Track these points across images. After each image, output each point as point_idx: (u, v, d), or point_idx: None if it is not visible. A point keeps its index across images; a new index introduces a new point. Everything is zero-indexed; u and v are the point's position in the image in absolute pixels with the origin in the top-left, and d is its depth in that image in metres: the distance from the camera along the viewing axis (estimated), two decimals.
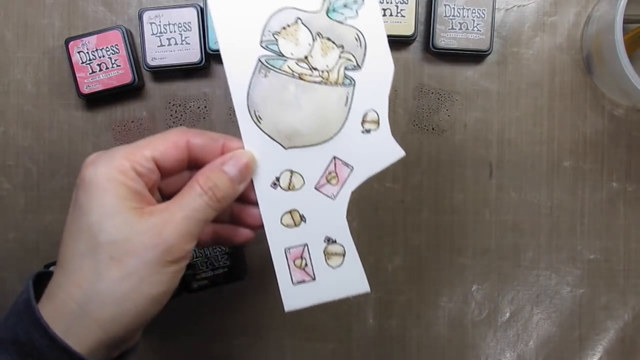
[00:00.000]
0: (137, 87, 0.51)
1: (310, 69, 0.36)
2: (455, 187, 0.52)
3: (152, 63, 0.49)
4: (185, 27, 0.49)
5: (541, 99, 0.51)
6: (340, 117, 0.37)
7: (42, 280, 0.34)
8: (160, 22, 0.49)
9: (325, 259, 0.37)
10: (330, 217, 0.37)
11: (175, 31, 0.49)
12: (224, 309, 0.52)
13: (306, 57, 0.36)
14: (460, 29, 0.49)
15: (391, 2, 0.48)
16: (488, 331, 0.52)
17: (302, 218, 0.37)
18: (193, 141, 0.36)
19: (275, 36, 0.36)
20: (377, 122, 0.37)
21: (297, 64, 0.36)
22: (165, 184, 0.37)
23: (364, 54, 0.36)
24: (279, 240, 0.37)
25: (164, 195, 0.37)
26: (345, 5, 0.36)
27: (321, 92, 0.36)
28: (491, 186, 0.52)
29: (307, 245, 0.37)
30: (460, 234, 0.52)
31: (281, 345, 0.52)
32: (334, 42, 0.36)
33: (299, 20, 0.36)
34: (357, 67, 0.36)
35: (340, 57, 0.36)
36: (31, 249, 0.52)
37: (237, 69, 0.36)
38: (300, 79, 0.36)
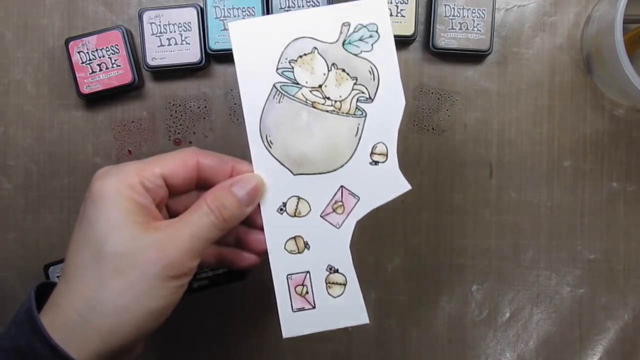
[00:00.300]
0: (137, 87, 0.51)
1: (324, 98, 0.37)
2: (455, 187, 0.52)
3: (152, 63, 0.49)
4: (185, 27, 0.49)
5: (541, 99, 0.51)
6: (350, 147, 0.37)
7: (45, 291, 0.34)
8: (160, 22, 0.49)
9: (327, 287, 0.38)
10: (334, 245, 0.38)
11: (175, 31, 0.49)
12: (224, 309, 0.52)
13: (320, 86, 0.37)
14: (460, 29, 0.49)
15: (391, 2, 0.48)
16: (488, 331, 0.52)
17: (306, 245, 0.38)
18: (203, 162, 0.36)
19: (292, 64, 0.37)
20: (386, 155, 0.37)
21: (311, 92, 0.37)
22: (173, 202, 0.37)
23: (377, 87, 0.37)
24: (282, 266, 0.38)
25: (172, 213, 0.38)
26: (361, 39, 0.37)
27: (333, 121, 0.37)
28: (491, 186, 0.52)
29: (309, 273, 0.38)
30: (460, 234, 0.52)
31: (281, 345, 0.52)
32: (348, 74, 0.37)
33: (316, 50, 0.37)
34: (369, 99, 0.37)
35: (353, 88, 0.37)
36: (31, 249, 0.52)
37: (253, 93, 0.37)
38: (313, 107, 0.37)
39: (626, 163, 0.51)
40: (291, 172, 0.37)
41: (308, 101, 0.37)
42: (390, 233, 0.52)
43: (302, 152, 0.37)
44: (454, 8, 0.48)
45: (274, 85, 0.37)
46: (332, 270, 0.38)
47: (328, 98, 0.37)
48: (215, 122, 0.52)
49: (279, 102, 0.37)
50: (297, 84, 0.37)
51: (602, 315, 0.52)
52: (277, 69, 0.37)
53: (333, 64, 0.37)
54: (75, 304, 0.32)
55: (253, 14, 0.49)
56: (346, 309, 0.38)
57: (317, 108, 0.37)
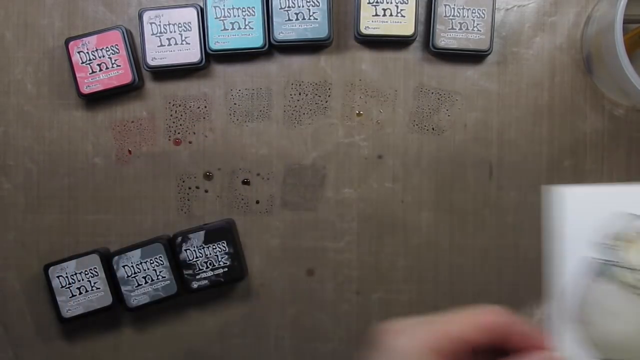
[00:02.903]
0: (137, 87, 0.51)
1: None
2: (455, 187, 0.52)
3: (152, 63, 0.49)
4: (185, 27, 0.49)
5: (541, 99, 0.51)
6: None
7: None
8: (160, 22, 0.49)
9: None
10: None
11: (175, 31, 0.49)
12: (224, 309, 0.52)
13: None
14: (460, 29, 0.49)
15: (391, 2, 0.48)
16: None
17: None
18: (509, 329, 0.33)
19: (615, 241, 0.33)
20: None
21: (630, 273, 0.33)
22: None
23: None
24: None
25: None
26: None
27: None
28: (491, 186, 0.52)
29: None
30: (460, 234, 0.52)
31: (281, 345, 0.52)
32: None
33: None
34: None
35: None
36: (31, 249, 0.52)
37: (564, 267, 0.34)
38: (635, 293, 0.33)
39: (626, 163, 0.51)
40: (598, 356, 0.34)
41: (629, 286, 0.33)
42: (390, 233, 0.52)
43: (615, 339, 0.33)
44: (454, 8, 0.48)
45: (591, 261, 0.33)
46: None
47: None
48: (215, 122, 0.52)
49: (595, 281, 0.33)
50: (619, 264, 0.33)
51: None
52: (597, 243, 0.33)
53: None
54: None
55: (253, 14, 0.49)
56: None
57: (636, 293, 0.33)
